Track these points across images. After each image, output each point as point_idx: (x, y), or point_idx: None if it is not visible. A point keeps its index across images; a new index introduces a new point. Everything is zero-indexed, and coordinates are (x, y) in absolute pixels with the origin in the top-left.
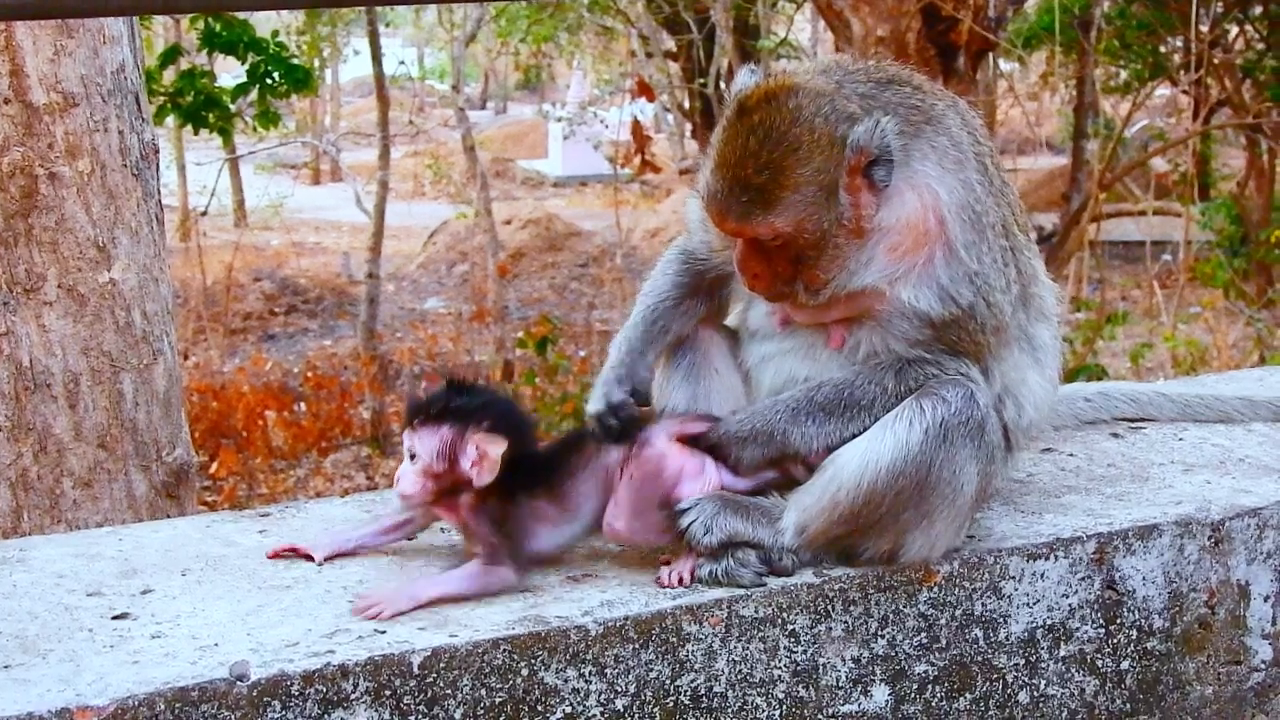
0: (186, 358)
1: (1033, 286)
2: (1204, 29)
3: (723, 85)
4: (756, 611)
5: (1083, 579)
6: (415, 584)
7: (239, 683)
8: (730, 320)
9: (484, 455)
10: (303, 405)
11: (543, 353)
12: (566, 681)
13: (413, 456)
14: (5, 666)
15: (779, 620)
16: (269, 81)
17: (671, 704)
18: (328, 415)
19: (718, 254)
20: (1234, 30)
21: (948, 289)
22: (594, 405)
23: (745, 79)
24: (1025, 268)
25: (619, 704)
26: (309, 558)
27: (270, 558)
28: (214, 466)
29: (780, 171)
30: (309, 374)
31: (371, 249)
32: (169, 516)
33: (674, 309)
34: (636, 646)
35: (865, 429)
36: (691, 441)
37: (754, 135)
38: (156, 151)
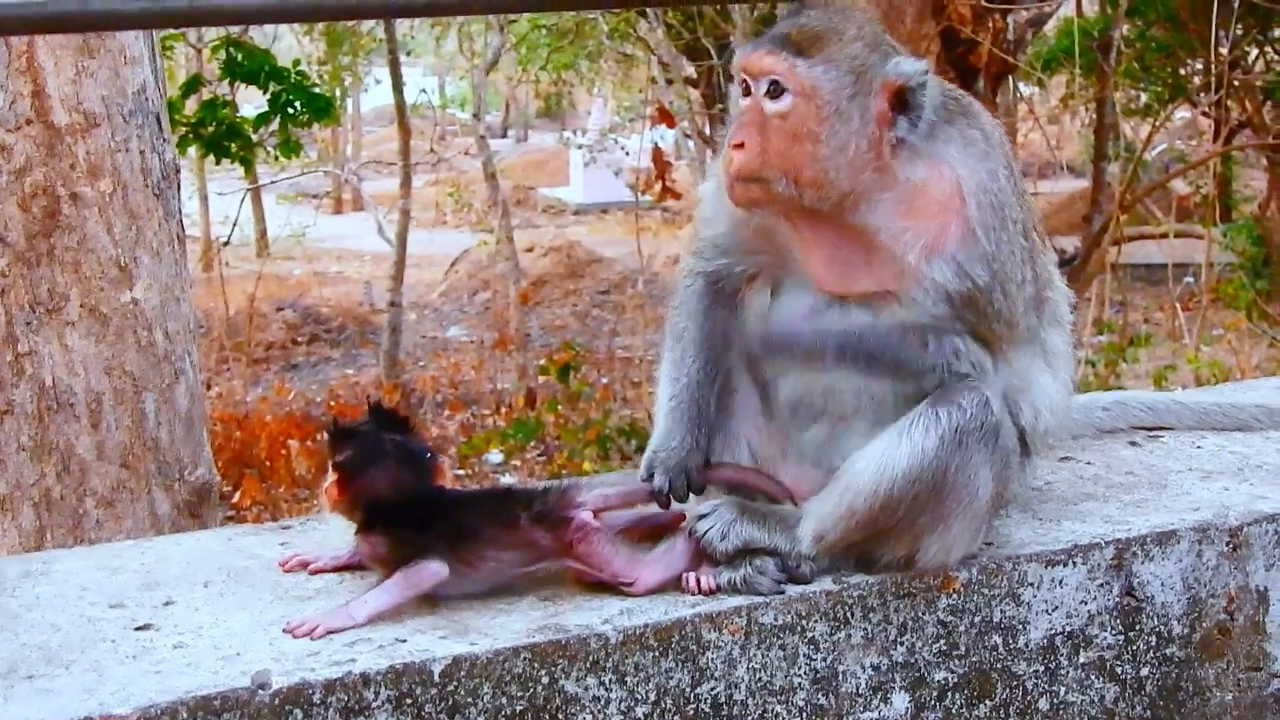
0: (209, 387)
1: (1047, 291)
2: (1224, 51)
3: None
4: (775, 619)
5: (1101, 585)
6: (350, 605)
7: (261, 691)
8: (751, 322)
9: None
10: (326, 434)
11: (565, 380)
12: (587, 690)
13: None
14: (29, 677)
15: (798, 628)
16: (290, 111)
17: (692, 711)
18: None
19: (737, 251)
20: (1254, 52)
21: (964, 265)
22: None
23: None
24: (1041, 271)
25: (639, 712)
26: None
27: (280, 566)
28: (237, 495)
29: (820, 39)
30: (332, 403)
31: (393, 277)
32: None
33: (709, 388)
34: (656, 654)
35: (895, 370)
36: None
37: (807, 15)
38: (178, 171)
